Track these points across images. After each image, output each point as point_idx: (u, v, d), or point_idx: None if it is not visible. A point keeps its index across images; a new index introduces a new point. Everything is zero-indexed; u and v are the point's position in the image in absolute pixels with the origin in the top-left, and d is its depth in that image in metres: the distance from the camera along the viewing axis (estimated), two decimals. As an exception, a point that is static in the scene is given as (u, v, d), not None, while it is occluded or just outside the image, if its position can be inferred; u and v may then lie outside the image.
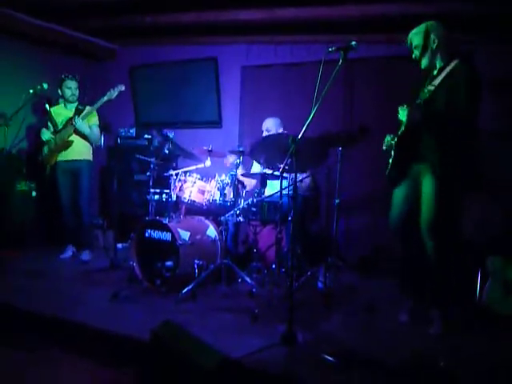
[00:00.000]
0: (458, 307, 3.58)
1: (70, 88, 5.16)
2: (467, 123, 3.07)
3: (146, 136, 6.09)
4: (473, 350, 3.00)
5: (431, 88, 3.20)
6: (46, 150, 5.19)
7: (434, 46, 3.22)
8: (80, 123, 5.02)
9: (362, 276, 4.76)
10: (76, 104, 5.22)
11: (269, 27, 5.33)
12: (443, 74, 3.18)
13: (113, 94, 4.95)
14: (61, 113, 5.23)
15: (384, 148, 3.40)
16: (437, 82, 3.19)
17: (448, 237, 3.17)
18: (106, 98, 4.95)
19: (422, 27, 3.26)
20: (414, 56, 3.32)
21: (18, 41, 5.73)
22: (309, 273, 4.14)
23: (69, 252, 5.32)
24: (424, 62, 3.29)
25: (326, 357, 2.72)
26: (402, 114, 3.17)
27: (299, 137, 3.01)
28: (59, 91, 5.19)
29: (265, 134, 4.88)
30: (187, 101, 6.30)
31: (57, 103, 5.39)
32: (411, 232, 3.28)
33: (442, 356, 2.81)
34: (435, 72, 3.27)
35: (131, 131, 6.17)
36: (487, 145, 4.05)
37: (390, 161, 3.34)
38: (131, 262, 4.23)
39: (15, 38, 5.67)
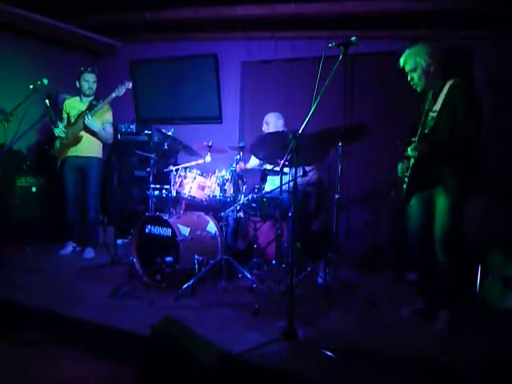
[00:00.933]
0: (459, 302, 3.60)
1: (88, 81, 5.14)
2: (472, 138, 3.11)
3: (146, 132, 6.09)
4: (473, 345, 3.01)
5: (434, 115, 3.22)
6: (58, 144, 5.18)
7: (432, 70, 3.24)
8: (90, 120, 4.99)
9: (362, 272, 4.76)
10: (91, 99, 5.20)
11: (269, 23, 5.32)
12: (442, 97, 3.20)
13: (120, 91, 4.92)
14: (75, 106, 5.22)
15: (399, 175, 3.44)
16: (438, 106, 3.20)
17: (458, 248, 3.25)
18: (114, 95, 4.93)
19: (415, 50, 3.27)
20: (409, 78, 3.35)
21: (18, 37, 5.71)
22: (309, 268, 4.15)
23: (69, 248, 5.32)
24: (421, 86, 3.32)
25: (327, 352, 2.73)
26: (411, 151, 3.18)
27: (299, 132, 3.01)
28: (77, 84, 5.18)
29: (264, 127, 4.90)
30: (187, 97, 6.29)
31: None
32: (428, 242, 3.32)
33: (442, 351, 2.82)
34: (430, 95, 3.30)
35: (131, 127, 6.17)
36: (488, 144, 4.05)
37: (404, 186, 3.37)
38: (131, 258, 4.23)
39: (15, 34, 5.65)
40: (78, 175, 5.23)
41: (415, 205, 3.44)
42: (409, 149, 3.19)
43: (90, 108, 5.10)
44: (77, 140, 5.10)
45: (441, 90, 3.22)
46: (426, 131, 3.21)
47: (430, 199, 3.32)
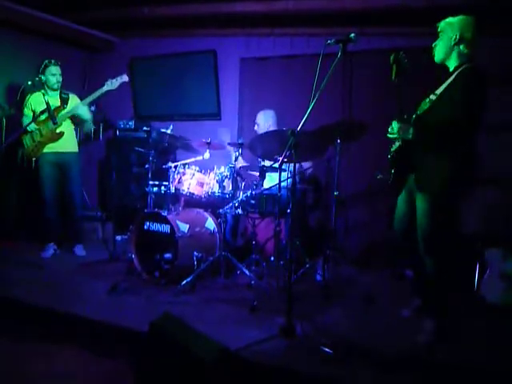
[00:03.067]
0: (457, 298, 3.60)
1: (55, 75, 4.88)
2: (466, 132, 2.90)
3: (144, 128, 6.08)
4: (470, 341, 3.02)
5: (433, 98, 3.06)
6: (28, 142, 4.88)
7: (452, 43, 3.00)
8: (83, 109, 4.82)
9: (360, 269, 4.76)
10: (59, 92, 4.97)
11: (268, 19, 5.31)
12: (448, 81, 3.00)
13: (114, 84, 4.78)
14: (43, 101, 4.75)
15: (389, 136, 3.16)
16: (439, 90, 3.03)
17: (445, 250, 3.06)
18: (105, 89, 4.77)
19: (455, 19, 3.02)
20: (433, 44, 3.11)
21: (16, 33, 5.70)
22: (307, 265, 4.15)
23: (50, 250, 5.04)
24: (438, 55, 3.10)
25: (325, 349, 2.74)
26: (394, 128, 3.01)
27: (298, 129, 3.01)
28: (42, 78, 4.88)
29: (255, 127, 4.92)
30: (186, 93, 6.28)
31: (32, 90, 5.07)
32: (415, 240, 3.15)
33: (441, 349, 2.83)
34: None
35: (130, 123, 6.15)
36: (488, 139, 4.05)
37: (393, 171, 3.19)
38: (130, 255, 4.24)
39: (14, 31, 5.63)
40: (56, 172, 5.00)
41: (401, 200, 3.30)
42: (393, 125, 3.01)
43: (64, 101, 4.92)
44: (57, 136, 4.87)
45: (453, 73, 3.02)
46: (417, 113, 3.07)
47: (412, 193, 3.14)
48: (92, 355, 2.98)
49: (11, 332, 3.26)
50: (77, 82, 5.12)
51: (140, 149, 4.80)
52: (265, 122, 4.84)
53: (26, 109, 4.97)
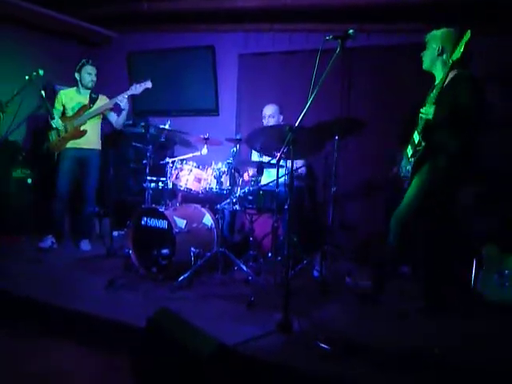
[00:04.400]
0: (454, 293, 3.62)
1: (91, 74, 5.04)
2: (472, 128, 3.17)
3: (142, 124, 6.05)
4: (469, 338, 3.03)
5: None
6: (54, 136, 5.06)
7: (436, 53, 3.29)
8: (124, 100, 4.91)
9: (357, 264, 4.76)
10: (90, 91, 5.10)
11: (267, 15, 5.30)
12: (442, 87, 3.17)
13: (138, 89, 4.85)
14: (73, 98, 5.09)
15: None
16: (433, 98, 3.19)
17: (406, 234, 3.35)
18: (129, 92, 4.86)
19: (438, 32, 3.31)
20: (422, 53, 3.43)
21: (14, 27, 5.68)
22: (305, 261, 4.16)
23: (48, 242, 5.10)
24: (425, 64, 3.40)
25: (322, 345, 2.74)
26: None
27: (296, 125, 3.01)
28: (77, 76, 5.05)
29: (267, 120, 4.87)
30: (184, 89, 6.27)
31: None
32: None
33: (438, 345, 2.84)
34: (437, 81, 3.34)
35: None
36: (487, 136, 4.05)
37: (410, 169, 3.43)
38: (127, 250, 4.23)
39: (11, 24, 5.61)
40: (75, 167, 5.12)
41: None
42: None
43: (93, 101, 5.04)
44: (80, 133, 5.01)
45: (441, 81, 3.19)
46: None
47: None
48: (90, 351, 2.98)
49: (8, 327, 3.26)
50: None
51: (138, 144, 4.79)
52: (278, 114, 4.83)
53: (56, 103, 5.13)
